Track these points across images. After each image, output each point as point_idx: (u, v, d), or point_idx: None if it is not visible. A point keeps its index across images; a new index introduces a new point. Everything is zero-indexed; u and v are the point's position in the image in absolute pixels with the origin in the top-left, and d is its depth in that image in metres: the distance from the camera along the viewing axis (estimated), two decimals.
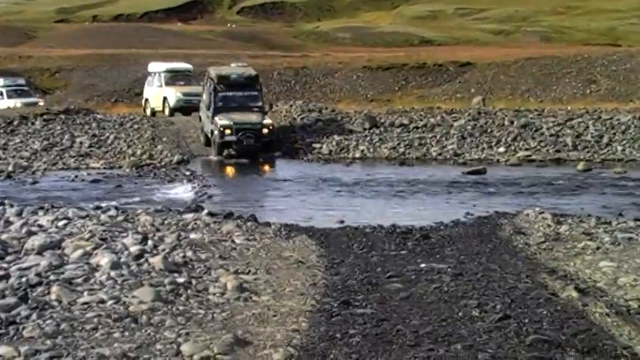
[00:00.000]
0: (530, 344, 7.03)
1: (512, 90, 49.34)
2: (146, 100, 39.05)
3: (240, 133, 25.70)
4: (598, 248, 11.25)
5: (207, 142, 27.34)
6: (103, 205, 15.31)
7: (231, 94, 27.08)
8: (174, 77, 37.84)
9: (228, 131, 25.81)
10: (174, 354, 6.74)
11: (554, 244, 11.69)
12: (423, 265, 10.40)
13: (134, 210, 14.28)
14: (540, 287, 9.09)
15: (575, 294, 8.68)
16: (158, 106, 37.12)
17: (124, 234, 11.43)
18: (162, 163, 24.53)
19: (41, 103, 42.22)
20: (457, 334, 7.33)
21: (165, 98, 36.78)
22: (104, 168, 23.96)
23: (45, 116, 32.88)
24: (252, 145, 25.86)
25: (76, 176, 22.12)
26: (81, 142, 27.85)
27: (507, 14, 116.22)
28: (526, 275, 9.75)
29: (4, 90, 42.04)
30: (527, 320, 7.72)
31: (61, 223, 12.31)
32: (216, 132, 25.97)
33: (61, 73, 57.92)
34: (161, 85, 37.39)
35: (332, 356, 6.78)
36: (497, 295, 8.73)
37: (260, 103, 27.48)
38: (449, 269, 10.10)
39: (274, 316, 7.97)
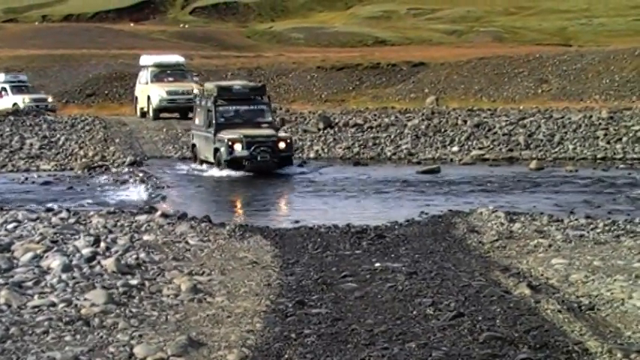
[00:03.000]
0: (484, 341, 7.08)
1: (466, 90, 49.73)
2: (135, 98, 35.54)
3: (252, 148, 22.19)
4: (550, 246, 11.37)
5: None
6: (54, 207, 15.10)
7: (234, 108, 23.37)
8: (162, 73, 34.00)
9: (237, 145, 22.20)
10: (127, 357, 6.67)
11: (507, 242, 11.79)
12: (377, 265, 10.42)
13: (86, 212, 14.13)
14: (493, 285, 9.16)
15: (527, 291, 8.76)
16: (146, 106, 33.71)
17: (76, 236, 11.29)
18: (115, 165, 24.27)
19: (50, 100, 40.77)
20: (411, 333, 7.36)
21: (148, 97, 33.32)
22: (55, 170, 23.63)
23: None
24: (267, 160, 22.32)
25: (26, 178, 21.80)
26: (31, 144, 27.44)
27: (460, 14, 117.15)
28: (479, 273, 9.82)
29: (7, 86, 39.97)
30: (480, 318, 7.77)
31: (10, 226, 12.14)
32: (222, 148, 22.37)
33: None
34: (147, 82, 33.85)
35: (287, 356, 6.76)
36: (451, 293, 8.78)
37: (269, 118, 23.72)
38: (403, 268, 10.14)
39: (228, 317, 7.93)
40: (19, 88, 40.37)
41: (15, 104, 38.00)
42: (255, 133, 22.62)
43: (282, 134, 23.68)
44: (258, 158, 22.18)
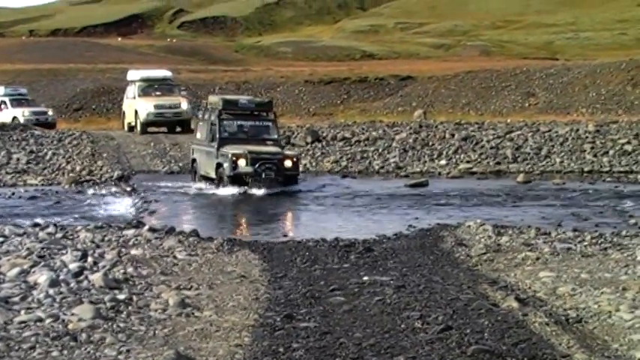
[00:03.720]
0: (472, 354, 7.08)
1: (453, 103, 49.95)
2: (123, 113, 35.66)
3: (257, 165, 21.30)
4: (538, 259, 11.39)
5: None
6: (41, 222, 15.04)
7: (239, 122, 22.53)
8: (149, 87, 34.07)
9: (242, 161, 21.34)
10: None
11: (495, 255, 11.81)
12: (365, 278, 10.42)
13: (73, 227, 14.06)
14: (481, 298, 9.17)
15: (515, 304, 8.77)
16: (133, 121, 33.80)
17: (63, 251, 11.23)
18: (103, 179, 24.21)
19: (50, 113, 40.47)
20: (400, 346, 7.35)
21: (136, 112, 33.40)
22: (42, 184, 23.55)
23: None
24: (272, 178, 21.30)
25: (13, 193, 21.71)
26: (18, 159, 27.36)
27: (447, 28, 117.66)
28: (467, 286, 9.83)
29: (7, 99, 39.53)
30: (468, 331, 7.78)
31: None
32: (225, 164, 21.46)
33: None
34: (134, 97, 33.93)
35: None
36: (439, 306, 8.78)
37: (275, 136, 22.80)
38: (391, 281, 10.14)
39: (217, 331, 7.91)
40: (18, 102, 40.05)
41: (15, 117, 37.76)
42: (261, 149, 21.76)
43: (289, 152, 22.74)
44: (263, 176, 21.24)
